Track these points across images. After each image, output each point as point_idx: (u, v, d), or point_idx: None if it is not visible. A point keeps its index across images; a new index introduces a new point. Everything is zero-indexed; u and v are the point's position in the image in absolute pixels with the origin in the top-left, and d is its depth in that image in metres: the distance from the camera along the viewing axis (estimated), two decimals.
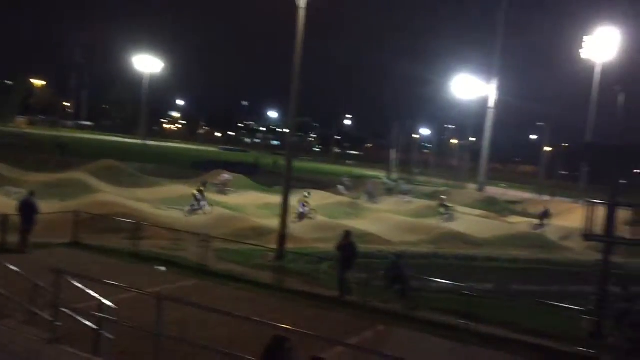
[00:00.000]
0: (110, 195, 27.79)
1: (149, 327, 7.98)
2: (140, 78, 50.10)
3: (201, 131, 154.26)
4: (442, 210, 34.49)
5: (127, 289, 9.88)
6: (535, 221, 33.79)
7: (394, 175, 66.69)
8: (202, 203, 27.81)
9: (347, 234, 16.54)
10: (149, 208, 26.98)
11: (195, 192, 28.27)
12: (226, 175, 36.66)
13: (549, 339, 13.45)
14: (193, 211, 27.39)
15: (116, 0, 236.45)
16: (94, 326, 8.42)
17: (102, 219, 21.06)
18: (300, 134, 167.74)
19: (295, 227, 25.21)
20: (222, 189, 35.43)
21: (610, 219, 14.50)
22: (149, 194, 31.55)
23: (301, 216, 29.11)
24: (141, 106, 56.86)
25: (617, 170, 15.89)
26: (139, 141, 56.83)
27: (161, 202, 29.58)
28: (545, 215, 33.52)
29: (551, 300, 19.37)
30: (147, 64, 48.24)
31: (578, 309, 14.10)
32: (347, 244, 16.14)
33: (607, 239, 14.55)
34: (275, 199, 25.57)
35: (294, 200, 30.84)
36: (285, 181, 20.68)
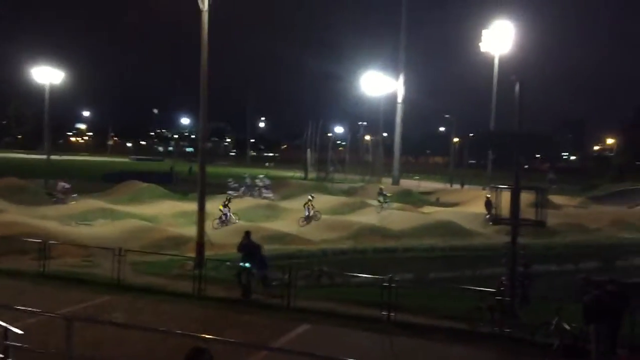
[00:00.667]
0: (14, 215, 26.25)
1: (61, 351, 7.58)
2: (41, 90, 47.47)
3: (111, 142, 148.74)
4: (380, 199, 35.98)
5: (35, 312, 9.35)
6: (485, 213, 32.35)
7: (312, 175, 67.05)
8: (228, 215, 29.14)
9: (247, 234, 16.88)
10: (56, 225, 25.70)
11: (221, 207, 29.32)
12: (63, 184, 34.98)
13: (464, 322, 13.95)
14: (222, 223, 28.67)
15: (8, 11, 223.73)
16: None
17: (6, 240, 19.83)
18: (214, 139, 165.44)
19: (215, 234, 24.82)
20: (62, 198, 33.54)
21: (515, 202, 15.22)
22: (55, 210, 30.04)
23: (307, 219, 30.38)
24: (43, 120, 54.14)
25: (519, 156, 16.71)
26: (42, 156, 54.07)
27: (70, 218, 28.25)
28: (489, 204, 32.06)
29: (466, 284, 20.20)
30: (47, 75, 45.75)
31: (492, 291, 14.71)
32: (247, 244, 16.33)
33: (513, 221, 15.27)
34: (192, 206, 25.03)
35: (231, 205, 30.34)
36: (199, 187, 20.29)
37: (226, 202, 29.77)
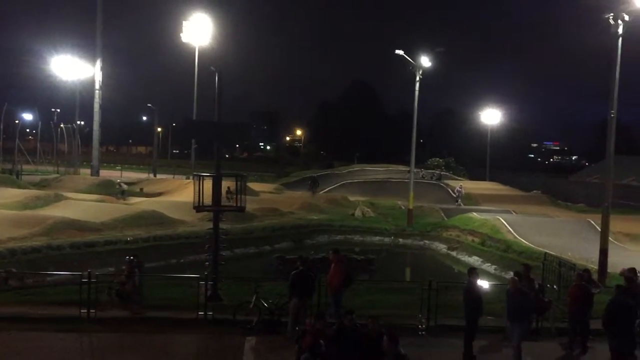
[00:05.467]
0: None
1: None
2: None
3: None
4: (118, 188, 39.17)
5: None
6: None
7: None
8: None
9: None
10: None
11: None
12: None
13: (173, 310, 14.02)
14: None
15: None
16: None
17: None
18: None
19: None
20: None
21: (216, 189, 15.80)
22: None
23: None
24: None
25: (220, 145, 17.36)
26: None
27: None
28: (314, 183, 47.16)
29: (172, 273, 20.31)
30: None
31: (196, 277, 15.06)
32: None
33: (215, 208, 15.85)
34: None
35: None
36: None
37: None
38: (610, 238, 21.34)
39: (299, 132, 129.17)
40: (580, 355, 12.47)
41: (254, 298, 13.34)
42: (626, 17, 18.69)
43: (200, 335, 13.01)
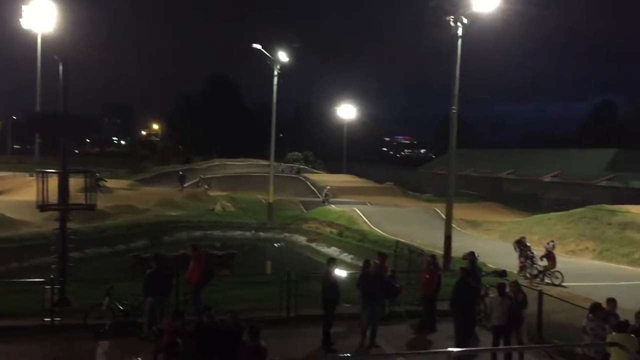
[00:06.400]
0: None
1: None
2: None
3: None
4: None
5: None
6: None
7: None
8: None
9: None
10: None
11: None
12: None
13: (13, 318, 12.88)
14: None
15: None
16: None
17: None
18: None
19: None
20: None
21: (62, 187, 14.73)
22: None
23: None
24: None
25: (66, 139, 16.19)
26: None
27: None
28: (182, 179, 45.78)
29: (13, 278, 18.71)
30: None
31: (41, 281, 13.96)
32: None
33: (62, 207, 14.78)
34: None
35: None
36: None
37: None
38: (453, 225, 23.06)
39: (155, 127, 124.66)
40: (429, 335, 13.34)
41: (107, 300, 12.65)
42: (465, 20, 20.25)
43: (46, 343, 12.11)
